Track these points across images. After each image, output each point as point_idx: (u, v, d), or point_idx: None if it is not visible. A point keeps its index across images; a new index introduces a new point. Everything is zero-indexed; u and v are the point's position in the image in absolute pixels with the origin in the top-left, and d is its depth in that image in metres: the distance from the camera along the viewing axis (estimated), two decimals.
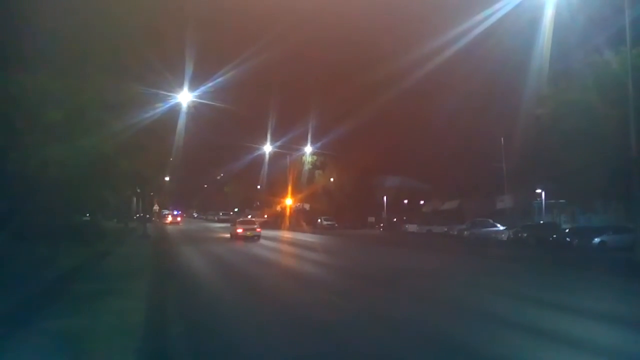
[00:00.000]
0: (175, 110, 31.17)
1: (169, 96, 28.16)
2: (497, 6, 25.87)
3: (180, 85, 31.06)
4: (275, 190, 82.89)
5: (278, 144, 70.50)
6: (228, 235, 42.09)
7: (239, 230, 39.55)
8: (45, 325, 9.18)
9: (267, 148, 71.79)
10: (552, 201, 46.48)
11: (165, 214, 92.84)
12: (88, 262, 19.50)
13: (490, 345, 8.54)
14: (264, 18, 48.51)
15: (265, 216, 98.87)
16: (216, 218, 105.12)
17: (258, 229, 40.69)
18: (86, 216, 34.15)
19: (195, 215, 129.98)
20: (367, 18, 51.62)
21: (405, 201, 75.08)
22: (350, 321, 10.43)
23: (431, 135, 55.57)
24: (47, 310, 10.46)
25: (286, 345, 8.59)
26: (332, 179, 78.68)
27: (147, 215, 57.60)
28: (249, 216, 75.11)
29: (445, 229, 51.16)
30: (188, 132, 36.83)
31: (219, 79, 35.55)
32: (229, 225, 52.74)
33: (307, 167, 78.57)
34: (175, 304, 12.33)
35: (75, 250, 20.93)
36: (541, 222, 44.33)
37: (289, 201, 77.86)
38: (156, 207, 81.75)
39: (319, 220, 72.84)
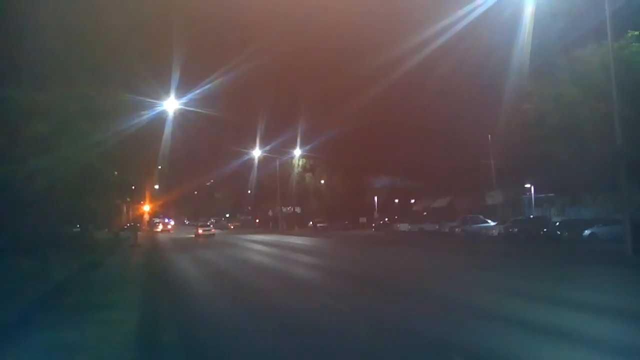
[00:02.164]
0: (162, 117, 31.11)
1: (156, 104, 28.07)
2: (478, 2, 26.03)
3: (167, 93, 31.01)
4: (266, 194, 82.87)
5: (267, 148, 70.56)
6: (215, 239, 50.64)
7: (200, 231, 58.44)
8: (36, 339, 9.11)
9: (257, 152, 71.72)
10: (542, 195, 46.79)
11: (156, 222, 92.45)
12: (79, 273, 19.36)
13: (488, 343, 8.55)
14: (251, 24, 48.56)
15: (257, 220, 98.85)
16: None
17: (213, 230, 60.50)
18: (76, 227, 33.89)
19: (187, 222, 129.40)
20: (346, 22, 51.72)
21: (396, 200, 75.23)
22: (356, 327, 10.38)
23: (418, 134, 55.75)
24: (38, 324, 10.38)
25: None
26: (322, 181, 78.75)
27: (138, 224, 57.35)
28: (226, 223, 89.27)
29: (437, 227, 51.31)
30: (176, 139, 36.87)
31: (207, 86, 35.51)
32: (220, 231, 67.11)
33: (297, 170, 78.58)
34: (167, 313, 12.27)
35: (65, 262, 20.73)
36: (531, 216, 44.59)
37: (279, 205, 77.79)
38: (146, 216, 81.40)
39: (310, 223, 72.83)
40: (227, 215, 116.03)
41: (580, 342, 8.43)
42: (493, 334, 9.02)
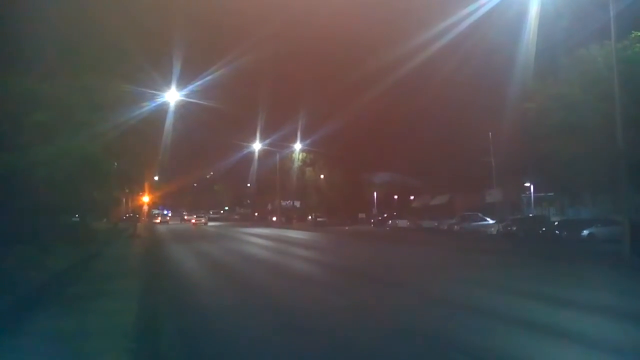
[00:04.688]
0: (163, 109, 31.06)
1: (157, 95, 28.01)
2: (482, 1, 25.96)
3: (168, 84, 30.95)
4: (266, 187, 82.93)
5: (267, 141, 70.49)
6: (215, 232, 53.50)
7: (193, 221, 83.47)
8: (37, 328, 9.14)
9: (257, 146, 71.67)
10: (541, 194, 46.83)
11: (155, 214, 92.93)
12: (78, 263, 19.36)
13: (487, 341, 8.58)
14: (253, 17, 48.45)
15: (256, 214, 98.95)
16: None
17: (203, 220, 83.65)
18: (75, 217, 33.91)
19: (185, 215, 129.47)
20: (353, 14, 51.60)
21: (395, 197, 75.27)
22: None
23: (419, 130, 55.80)
24: (38, 313, 10.39)
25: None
26: (322, 176, 78.78)
27: (137, 215, 57.41)
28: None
29: (436, 224, 51.39)
30: (176, 131, 36.75)
31: (207, 78, 35.44)
32: (219, 224, 75.12)
33: (297, 164, 78.60)
34: (167, 302, 12.31)
35: (64, 251, 20.76)
36: (530, 215, 44.65)
37: (279, 198, 77.87)
38: (145, 207, 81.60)
39: (309, 217, 72.86)
40: (226, 208, 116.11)
41: (577, 341, 8.45)
42: (492, 332, 9.04)
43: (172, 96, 32.45)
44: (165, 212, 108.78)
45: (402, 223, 59.16)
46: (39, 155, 16.88)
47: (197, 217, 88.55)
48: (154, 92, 26.67)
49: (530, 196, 47.73)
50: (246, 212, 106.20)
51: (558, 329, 9.20)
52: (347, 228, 61.04)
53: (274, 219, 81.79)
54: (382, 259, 24.46)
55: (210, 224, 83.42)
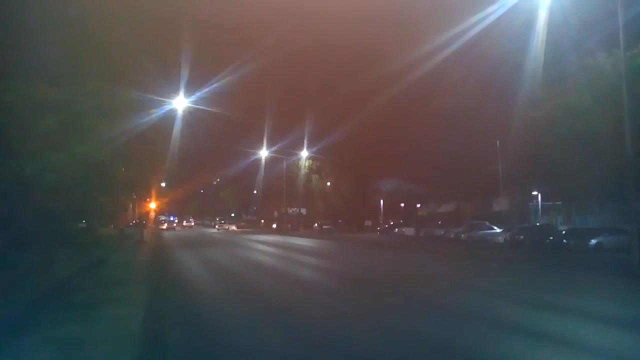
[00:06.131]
0: (171, 115, 31.23)
1: (165, 102, 28.16)
2: (491, 9, 26.01)
3: (176, 91, 31.13)
4: (272, 194, 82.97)
5: (274, 148, 70.58)
6: (221, 238, 52.82)
7: (217, 227, 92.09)
8: (43, 334, 9.13)
9: (264, 153, 71.77)
10: (549, 203, 46.58)
11: (162, 220, 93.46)
12: (84, 269, 19.38)
13: (493, 351, 8.51)
14: (260, 24, 48.68)
15: (262, 221, 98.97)
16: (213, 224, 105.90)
17: (225, 227, 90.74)
18: (82, 223, 34.02)
19: (187, 222, 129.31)
20: (362, 23, 51.79)
21: (402, 204, 75.05)
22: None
23: (427, 138, 55.72)
24: (45, 319, 10.39)
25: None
26: (328, 183, 78.72)
27: (144, 222, 57.52)
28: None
29: (442, 232, 51.14)
30: (184, 137, 36.92)
31: (215, 85, 35.61)
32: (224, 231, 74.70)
33: (303, 171, 78.63)
34: (174, 310, 12.26)
35: (71, 257, 20.80)
36: (538, 224, 44.35)
37: (285, 206, 77.86)
38: (152, 214, 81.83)
39: (316, 224, 72.80)
40: (233, 215, 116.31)
41: (583, 351, 8.38)
42: (499, 342, 8.98)
43: (180, 103, 32.63)
44: (172, 218, 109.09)
45: (409, 231, 58.87)
46: (46, 161, 16.97)
47: (219, 224, 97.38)
48: (161, 98, 26.84)
49: (538, 205, 47.48)
50: (252, 219, 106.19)
51: (568, 338, 9.09)
52: (352, 235, 60.68)
53: (274, 226, 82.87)
54: (391, 268, 24.34)
55: (213, 230, 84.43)
